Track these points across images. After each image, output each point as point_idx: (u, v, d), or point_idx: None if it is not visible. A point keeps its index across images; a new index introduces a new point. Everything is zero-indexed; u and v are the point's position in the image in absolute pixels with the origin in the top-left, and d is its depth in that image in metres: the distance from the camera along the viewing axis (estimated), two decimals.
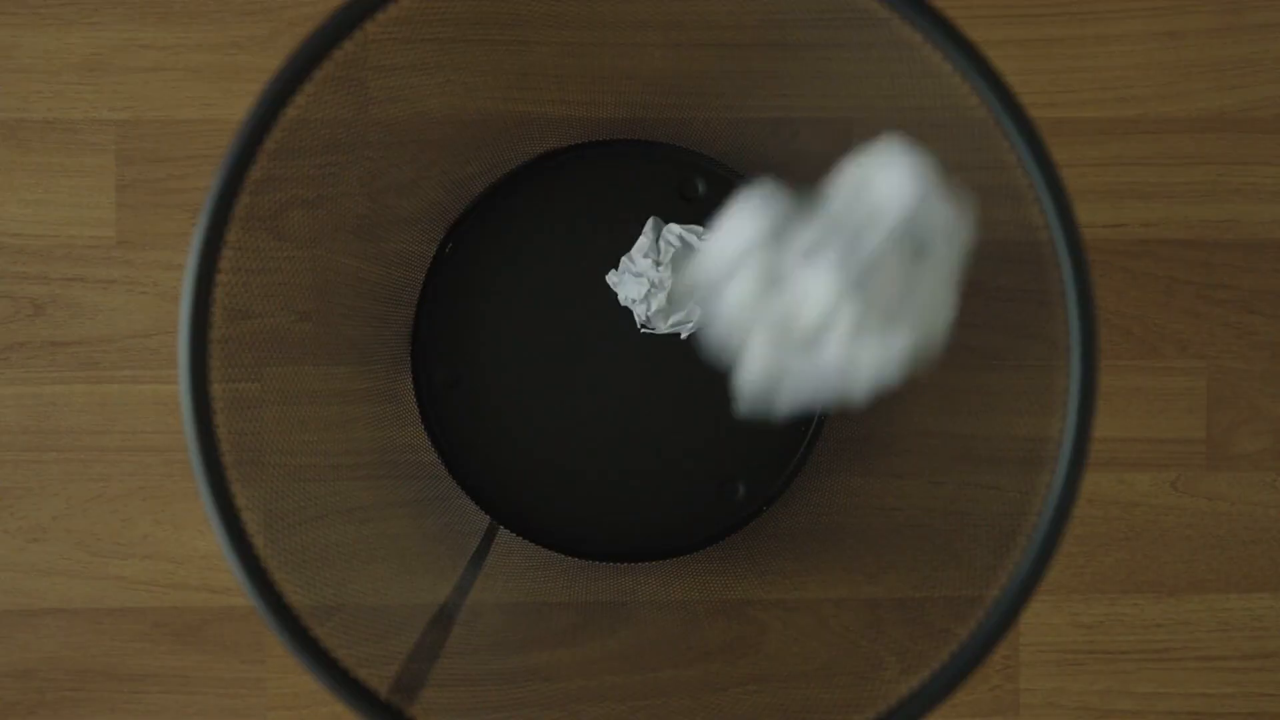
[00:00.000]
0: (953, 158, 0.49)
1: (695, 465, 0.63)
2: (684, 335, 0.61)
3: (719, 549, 0.62)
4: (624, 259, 0.61)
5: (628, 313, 0.62)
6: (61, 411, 0.64)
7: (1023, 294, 0.47)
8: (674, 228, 0.61)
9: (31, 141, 0.64)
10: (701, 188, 0.63)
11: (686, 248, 0.61)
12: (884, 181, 0.40)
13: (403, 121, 0.57)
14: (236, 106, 0.64)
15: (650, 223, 0.61)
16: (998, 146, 0.42)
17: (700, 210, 0.62)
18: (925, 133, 0.51)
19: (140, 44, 0.64)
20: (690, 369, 0.61)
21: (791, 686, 0.56)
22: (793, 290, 0.40)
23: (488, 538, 0.61)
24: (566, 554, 0.62)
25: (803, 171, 0.61)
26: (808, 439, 0.63)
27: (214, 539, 0.64)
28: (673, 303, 0.60)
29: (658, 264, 0.60)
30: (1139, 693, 0.66)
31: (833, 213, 0.40)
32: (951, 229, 0.40)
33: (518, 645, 0.58)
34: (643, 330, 0.62)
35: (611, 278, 0.62)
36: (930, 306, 0.40)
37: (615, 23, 0.57)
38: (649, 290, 0.60)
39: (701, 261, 0.42)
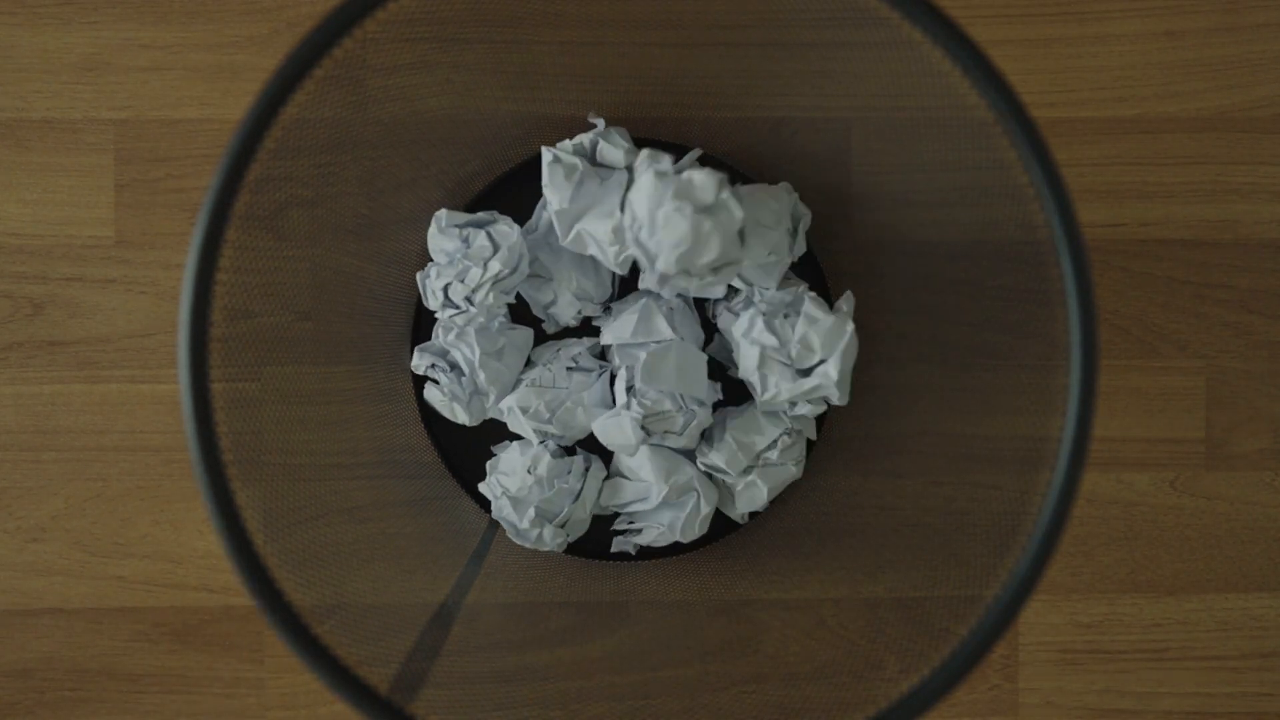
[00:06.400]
0: (953, 157, 0.49)
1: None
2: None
3: (719, 549, 0.62)
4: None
5: None
6: (60, 411, 0.64)
7: (1023, 294, 0.47)
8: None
9: (30, 141, 0.64)
10: None
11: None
12: None
13: (401, 121, 0.57)
14: (235, 106, 0.64)
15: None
16: (998, 146, 0.42)
17: None
18: (925, 132, 0.51)
19: (139, 44, 0.64)
20: None
21: (790, 686, 0.56)
22: None
23: (488, 537, 0.61)
24: (566, 554, 0.62)
25: (803, 171, 0.61)
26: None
27: (213, 539, 0.64)
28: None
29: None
30: (1138, 692, 0.66)
31: None
32: None
33: (517, 645, 0.58)
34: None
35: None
36: None
37: (615, 22, 0.57)
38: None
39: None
